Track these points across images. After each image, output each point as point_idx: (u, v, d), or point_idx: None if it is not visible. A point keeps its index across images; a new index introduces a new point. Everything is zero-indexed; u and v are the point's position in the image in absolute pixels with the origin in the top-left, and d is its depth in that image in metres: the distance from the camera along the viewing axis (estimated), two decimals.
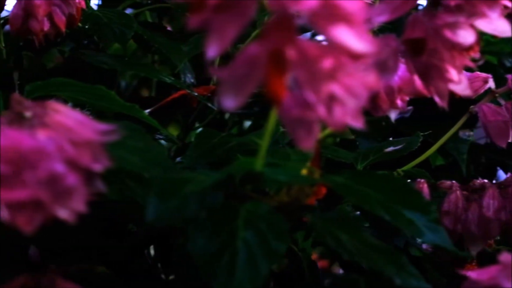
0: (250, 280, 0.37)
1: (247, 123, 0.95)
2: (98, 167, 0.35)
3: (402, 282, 0.40)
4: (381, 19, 0.39)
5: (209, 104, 0.64)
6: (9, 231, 0.37)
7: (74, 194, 0.33)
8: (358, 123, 0.35)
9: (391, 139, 0.73)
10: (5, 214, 0.31)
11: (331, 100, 0.34)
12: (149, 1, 0.76)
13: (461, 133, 0.75)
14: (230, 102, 0.34)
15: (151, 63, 0.86)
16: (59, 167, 0.33)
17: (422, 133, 0.60)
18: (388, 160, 0.57)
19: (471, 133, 0.79)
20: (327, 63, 0.34)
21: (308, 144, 0.35)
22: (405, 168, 0.56)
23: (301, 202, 0.44)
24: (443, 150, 0.70)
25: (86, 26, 0.60)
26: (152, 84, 0.93)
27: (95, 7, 0.69)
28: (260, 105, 0.73)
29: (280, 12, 0.33)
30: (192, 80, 0.67)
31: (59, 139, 0.34)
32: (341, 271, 0.80)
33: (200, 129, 0.76)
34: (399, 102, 0.51)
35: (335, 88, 0.34)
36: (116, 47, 0.78)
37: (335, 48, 0.33)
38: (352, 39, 0.33)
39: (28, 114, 0.36)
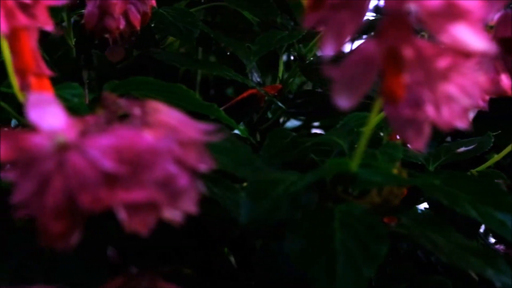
0: (353, 283, 0.36)
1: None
2: (203, 167, 0.35)
3: (502, 284, 0.39)
4: (490, 15, 0.38)
5: (279, 104, 0.63)
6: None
7: (185, 195, 0.33)
8: (464, 124, 0.35)
9: (448, 139, 0.72)
10: (123, 216, 0.31)
11: (443, 100, 0.34)
12: (202, 0, 0.75)
13: None
14: (344, 102, 0.33)
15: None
16: (173, 168, 0.32)
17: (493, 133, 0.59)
18: (459, 160, 0.57)
19: None
20: (443, 62, 0.33)
21: (419, 144, 0.35)
22: (479, 168, 0.55)
23: (392, 203, 0.43)
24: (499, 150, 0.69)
25: (152, 25, 0.59)
26: (195, 84, 0.92)
27: None
28: (313, 105, 0.73)
29: (396, 10, 0.32)
30: (259, 79, 0.66)
31: (166, 138, 0.34)
32: None
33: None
34: (480, 102, 0.50)
35: (450, 88, 0.33)
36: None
37: (451, 48, 0.33)
38: (472, 38, 0.32)
39: (123, 113, 0.36)
